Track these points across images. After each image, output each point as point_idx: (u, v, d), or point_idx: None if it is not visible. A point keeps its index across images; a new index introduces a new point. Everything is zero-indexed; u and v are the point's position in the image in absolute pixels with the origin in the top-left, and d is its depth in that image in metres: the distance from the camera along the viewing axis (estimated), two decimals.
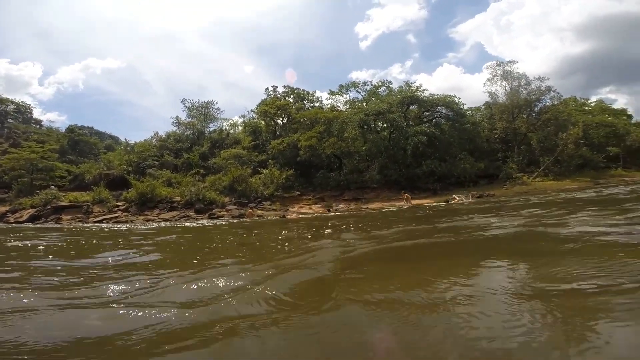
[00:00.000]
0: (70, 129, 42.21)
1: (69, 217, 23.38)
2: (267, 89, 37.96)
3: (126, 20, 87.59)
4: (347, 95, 36.36)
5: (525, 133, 31.13)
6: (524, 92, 31.40)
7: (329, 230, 8.90)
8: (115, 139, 43.69)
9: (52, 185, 30.89)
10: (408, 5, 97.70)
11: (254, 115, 35.71)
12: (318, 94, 38.46)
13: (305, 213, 21.79)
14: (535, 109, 31.86)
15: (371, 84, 35.63)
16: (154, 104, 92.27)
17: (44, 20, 79.86)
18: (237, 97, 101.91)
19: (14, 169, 31.37)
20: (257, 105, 36.23)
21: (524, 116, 31.70)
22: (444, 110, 30.35)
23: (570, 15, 79.27)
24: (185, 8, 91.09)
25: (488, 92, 33.16)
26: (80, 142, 40.10)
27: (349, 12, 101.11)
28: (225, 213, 21.09)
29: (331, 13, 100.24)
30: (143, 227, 14.63)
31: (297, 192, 26.68)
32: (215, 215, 20.40)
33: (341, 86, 36.08)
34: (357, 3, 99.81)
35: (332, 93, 36.48)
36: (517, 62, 32.72)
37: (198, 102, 36.60)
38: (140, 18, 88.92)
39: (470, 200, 20.11)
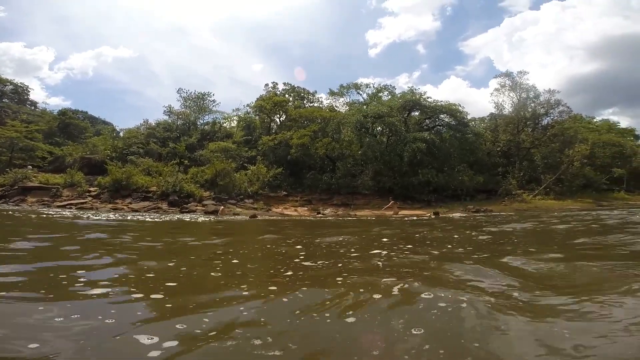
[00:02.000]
0: (63, 112, 40.32)
1: (34, 199, 21.51)
2: (266, 84, 35.99)
3: (141, 11, 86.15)
4: (348, 97, 34.21)
5: (529, 148, 29.01)
6: (532, 104, 29.35)
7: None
8: (108, 125, 41.62)
9: (30, 165, 28.96)
10: (422, 16, 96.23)
11: (249, 109, 33.62)
12: (321, 96, 35.93)
13: (288, 215, 19.64)
14: (542, 123, 29.76)
15: (373, 87, 33.43)
16: (159, 95, 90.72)
17: (62, 6, 78.39)
18: (243, 95, 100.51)
19: None
20: (256, 100, 34.19)
21: (529, 130, 29.58)
22: (446, 119, 28.27)
23: (584, 33, 77.33)
24: (198, 3, 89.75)
25: (494, 102, 31.13)
26: (70, 125, 38.14)
27: (362, 19, 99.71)
28: (199, 208, 18.96)
29: (343, 18, 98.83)
30: (97, 217, 12.42)
31: (284, 192, 24.51)
32: (187, 210, 18.29)
33: (342, 86, 33.88)
34: (370, 10, 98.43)
35: (332, 93, 34.31)
36: (528, 73, 30.61)
37: (194, 93, 34.59)
38: (155, 10, 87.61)
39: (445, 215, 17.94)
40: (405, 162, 24.44)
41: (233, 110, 36.06)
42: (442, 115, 28.41)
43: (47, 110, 43.21)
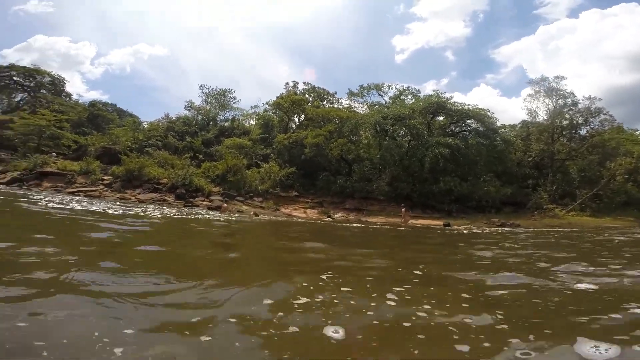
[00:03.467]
0: (92, 104, 41.34)
1: (49, 184, 21.63)
2: (287, 83, 35.10)
3: (175, 11, 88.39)
4: (369, 99, 32.46)
5: (564, 159, 26.18)
6: (570, 112, 26.48)
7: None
8: (135, 118, 42.24)
9: (55, 152, 29.49)
10: (452, 22, 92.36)
11: (267, 107, 32.77)
12: (341, 98, 34.40)
13: (295, 216, 18.39)
14: (580, 133, 26.76)
15: (396, 89, 31.47)
16: (187, 92, 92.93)
17: (101, 1, 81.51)
18: (267, 96, 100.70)
19: (25, 134, 30.28)
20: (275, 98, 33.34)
21: (565, 140, 26.69)
22: (473, 124, 26.03)
23: (625, 43, 70.95)
24: (227, 6, 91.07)
25: (527, 109, 28.40)
26: (98, 117, 38.92)
27: (388, 24, 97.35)
28: (204, 202, 18.09)
29: (369, 23, 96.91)
30: (96, 207, 11.60)
31: (295, 193, 23.29)
32: (191, 204, 17.46)
33: (362, 87, 32.13)
34: (397, 16, 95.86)
35: (351, 94, 32.64)
36: (566, 78, 27.61)
37: (215, 89, 34.23)
38: (188, 10, 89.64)
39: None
40: (426, 168, 22.57)
41: (251, 108, 35.44)
42: (469, 121, 26.23)
43: (80, 102, 44.54)
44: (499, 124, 27.61)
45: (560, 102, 26.75)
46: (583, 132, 26.68)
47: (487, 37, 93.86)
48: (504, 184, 23.27)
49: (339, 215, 19.60)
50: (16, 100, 42.89)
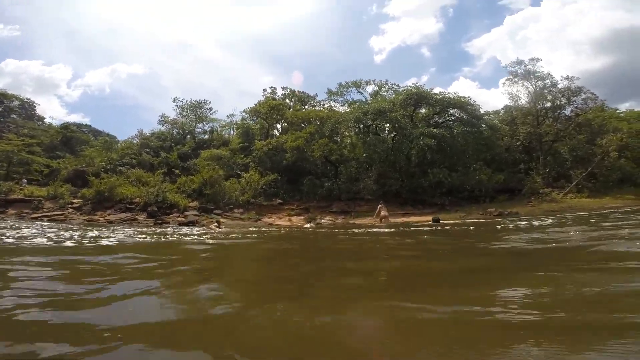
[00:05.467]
0: (65, 126, 39.23)
1: (14, 211, 19.87)
2: (264, 90, 33.68)
3: (146, 26, 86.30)
4: (348, 97, 31.09)
5: (552, 141, 25.11)
6: (551, 93, 25.52)
7: None
8: (112, 138, 40.21)
9: (24, 179, 27.46)
10: (424, 19, 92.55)
11: (245, 115, 31.24)
12: (323, 100, 32.99)
13: (278, 225, 16.80)
14: (565, 113, 25.80)
15: (374, 83, 30.20)
16: (169, 109, 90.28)
17: (70, 20, 78.15)
18: (251, 105, 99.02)
19: None
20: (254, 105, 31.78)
21: (551, 121, 25.68)
22: (457, 114, 24.87)
23: (588, 28, 71.43)
24: (201, 18, 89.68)
25: (508, 93, 27.35)
26: (72, 139, 36.84)
27: (364, 25, 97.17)
28: (178, 219, 16.38)
29: (346, 26, 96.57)
30: (43, 231, 9.75)
31: (279, 201, 21.70)
32: (161, 221, 15.75)
33: (340, 85, 30.78)
34: (371, 17, 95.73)
35: (330, 93, 31.26)
36: (541, 60, 26.71)
37: (189, 101, 32.60)
38: (160, 25, 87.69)
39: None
40: (413, 162, 21.23)
41: (227, 117, 33.90)
42: (451, 110, 25.03)
43: (53, 124, 42.37)
44: (482, 111, 26.55)
45: (540, 84, 25.84)
46: (567, 111, 25.77)
47: (459, 31, 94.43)
48: (495, 171, 22.06)
49: (325, 220, 18.05)
50: None
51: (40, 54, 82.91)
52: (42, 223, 15.04)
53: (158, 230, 11.03)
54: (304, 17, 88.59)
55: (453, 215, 16.89)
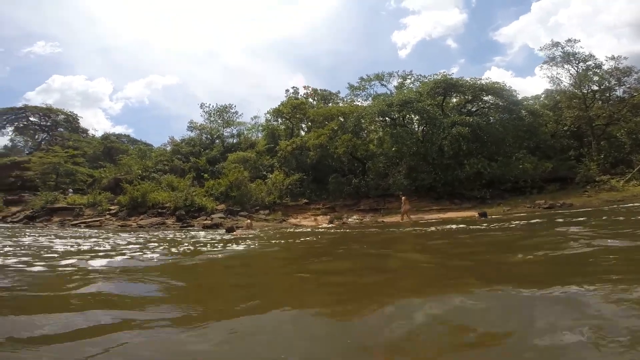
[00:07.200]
0: (105, 137, 41.34)
1: (58, 218, 20.93)
2: (287, 90, 33.23)
3: (176, 38, 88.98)
4: (372, 91, 29.56)
5: (605, 124, 22.10)
6: (596, 75, 22.39)
7: None
8: (148, 146, 41.80)
9: (70, 189, 29.05)
10: (446, 10, 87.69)
11: (269, 117, 30.91)
12: (347, 96, 31.88)
13: (303, 226, 15.98)
14: (615, 94, 22.60)
15: (398, 75, 28.39)
16: (198, 115, 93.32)
17: (102, 37, 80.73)
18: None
19: (43, 173, 30.26)
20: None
21: (601, 103, 22.61)
22: (491, 100, 22.65)
23: (620, 13, 62.93)
24: (226, 27, 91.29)
25: (548, 76, 24.40)
26: (112, 149, 38.70)
27: (383, 21, 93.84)
28: (205, 222, 16.14)
29: (365, 24, 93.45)
30: (74, 235, 9.66)
31: (305, 200, 20.93)
32: (187, 225, 15.57)
33: (362, 79, 29.23)
34: (390, 11, 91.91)
35: (352, 88, 29.83)
36: (579, 41, 23.51)
37: (215, 106, 32.89)
38: (187, 36, 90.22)
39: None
40: (446, 153, 19.50)
41: (252, 119, 33.80)
42: (486, 97, 22.86)
43: (96, 136, 44.89)
44: (520, 97, 23.88)
45: (582, 65, 22.70)
46: (620, 92, 22.49)
47: (485, 21, 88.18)
48: (542, 160, 19.67)
49: (352, 219, 16.95)
50: (38, 140, 43.74)
51: (81, 70, 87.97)
52: (80, 230, 15.43)
53: (183, 236, 10.59)
54: (324, 18, 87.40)
55: (496, 209, 15.09)
